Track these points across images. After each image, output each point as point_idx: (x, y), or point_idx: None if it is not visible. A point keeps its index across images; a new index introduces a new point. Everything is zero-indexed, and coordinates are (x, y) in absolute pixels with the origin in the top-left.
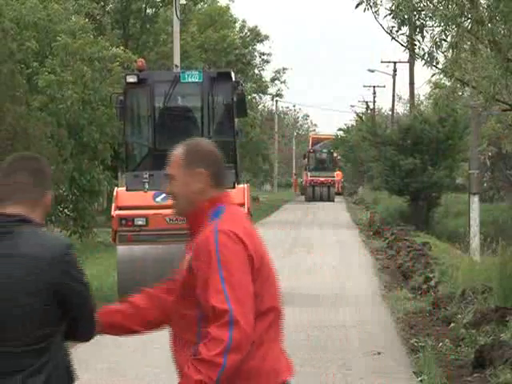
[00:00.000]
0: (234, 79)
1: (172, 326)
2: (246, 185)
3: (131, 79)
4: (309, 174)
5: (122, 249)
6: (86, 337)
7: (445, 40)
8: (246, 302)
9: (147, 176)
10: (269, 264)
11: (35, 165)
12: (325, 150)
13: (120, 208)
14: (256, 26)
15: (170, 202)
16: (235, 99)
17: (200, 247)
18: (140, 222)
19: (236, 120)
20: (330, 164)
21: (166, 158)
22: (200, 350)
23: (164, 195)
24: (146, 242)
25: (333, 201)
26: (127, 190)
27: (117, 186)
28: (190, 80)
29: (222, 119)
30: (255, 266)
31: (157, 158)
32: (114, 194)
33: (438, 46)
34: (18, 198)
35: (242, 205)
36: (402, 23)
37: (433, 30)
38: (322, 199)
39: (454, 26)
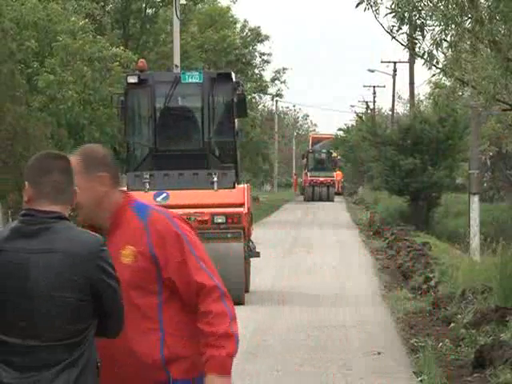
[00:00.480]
0: (234, 80)
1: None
2: (246, 185)
3: (132, 80)
4: (308, 174)
5: None
6: (115, 332)
7: (445, 40)
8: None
9: (148, 176)
10: None
11: (66, 164)
12: (324, 151)
13: None
14: (258, 27)
15: (170, 201)
16: (235, 100)
17: (163, 235)
18: None
19: (236, 120)
20: (329, 164)
21: (166, 158)
22: (209, 330)
23: (164, 195)
24: None
25: (332, 201)
26: (128, 189)
27: None
28: (190, 80)
29: (222, 119)
30: None
31: (158, 158)
32: None
33: (437, 45)
34: (55, 198)
35: (242, 205)
36: (401, 22)
37: (433, 29)
38: (321, 199)
39: (453, 26)
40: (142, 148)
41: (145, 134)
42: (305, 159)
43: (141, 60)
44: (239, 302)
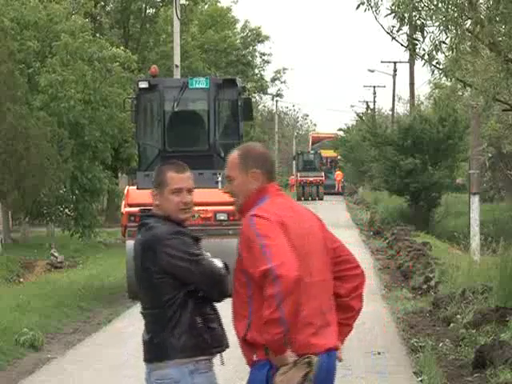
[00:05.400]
0: (239, 85)
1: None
2: None
3: (143, 85)
4: (298, 174)
5: (130, 243)
6: (216, 298)
7: (444, 42)
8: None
9: None
10: None
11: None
12: (312, 151)
13: (130, 205)
14: (259, 27)
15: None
16: (241, 104)
17: (242, 231)
18: None
19: (242, 123)
20: (318, 164)
21: (174, 158)
22: (263, 313)
23: None
24: None
25: (322, 199)
26: (138, 188)
27: (117, 185)
28: (197, 86)
29: (227, 123)
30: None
31: (166, 158)
32: (125, 192)
33: (437, 48)
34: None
35: None
36: (401, 22)
37: (432, 32)
38: (311, 198)
39: (453, 27)
40: (151, 149)
41: (154, 135)
42: (294, 160)
43: (153, 66)
44: None
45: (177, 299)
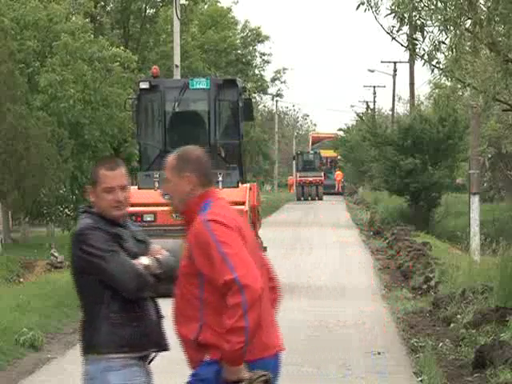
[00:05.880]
0: (239, 86)
1: (174, 304)
2: (248, 184)
3: (144, 85)
4: (298, 174)
5: None
6: (125, 294)
7: (443, 42)
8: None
9: (157, 175)
10: None
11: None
12: (311, 152)
13: (131, 205)
14: (259, 27)
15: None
16: (241, 104)
17: (195, 234)
18: (148, 218)
19: (242, 124)
20: (318, 164)
21: None
22: (224, 321)
23: None
24: (154, 236)
25: (321, 199)
26: (139, 188)
27: None
28: (198, 87)
29: (227, 123)
30: None
31: (167, 158)
32: None
33: (437, 48)
34: None
35: (243, 203)
36: (401, 22)
37: (432, 32)
38: (311, 197)
39: (452, 28)
40: (152, 149)
41: (155, 136)
42: (294, 160)
43: (154, 67)
44: None
45: (95, 295)
